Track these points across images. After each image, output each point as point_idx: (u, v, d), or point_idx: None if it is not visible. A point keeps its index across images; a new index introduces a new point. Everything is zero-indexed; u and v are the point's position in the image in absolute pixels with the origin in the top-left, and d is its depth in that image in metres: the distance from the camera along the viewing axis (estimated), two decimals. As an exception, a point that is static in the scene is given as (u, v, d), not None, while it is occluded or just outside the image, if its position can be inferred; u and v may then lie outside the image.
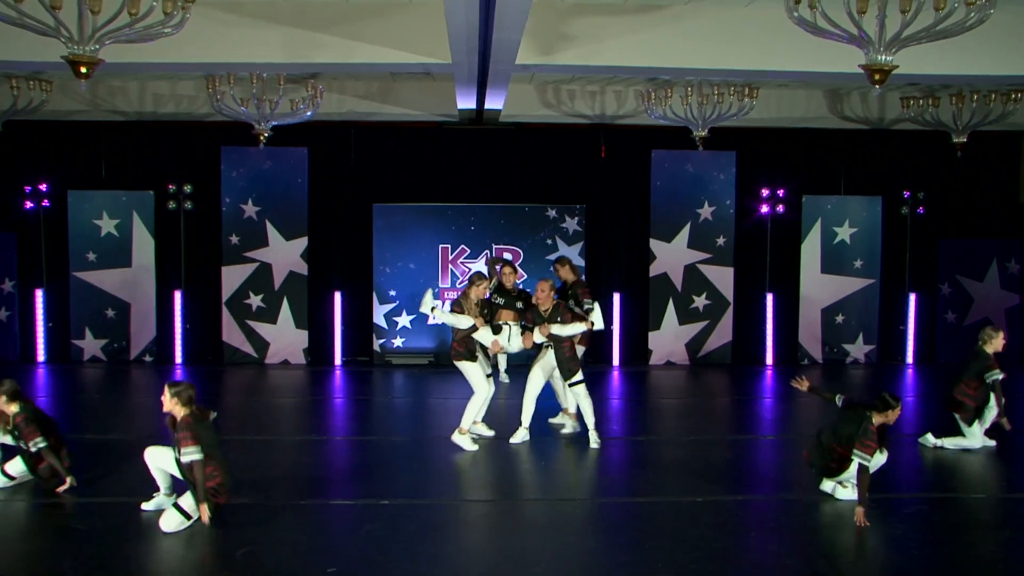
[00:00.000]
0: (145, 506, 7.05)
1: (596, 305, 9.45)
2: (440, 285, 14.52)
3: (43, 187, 14.34)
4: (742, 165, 14.62)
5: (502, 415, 10.26)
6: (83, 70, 7.35)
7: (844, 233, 14.76)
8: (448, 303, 9.53)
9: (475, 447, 9.14)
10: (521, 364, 11.94)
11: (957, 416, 9.36)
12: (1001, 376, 9.11)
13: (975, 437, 9.28)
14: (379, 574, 5.96)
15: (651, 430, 9.87)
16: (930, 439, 9.39)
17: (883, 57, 7.31)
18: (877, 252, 14.84)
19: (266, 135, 12.55)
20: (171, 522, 6.70)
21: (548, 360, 9.30)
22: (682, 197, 14.55)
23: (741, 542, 6.71)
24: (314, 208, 14.41)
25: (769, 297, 14.97)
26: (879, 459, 7.36)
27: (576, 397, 9.33)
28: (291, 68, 11.29)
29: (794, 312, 14.85)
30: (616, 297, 14.80)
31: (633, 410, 11.91)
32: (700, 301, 14.65)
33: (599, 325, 9.26)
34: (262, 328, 14.36)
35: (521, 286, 10.37)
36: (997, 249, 14.99)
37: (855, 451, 7.07)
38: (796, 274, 14.83)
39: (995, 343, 9.34)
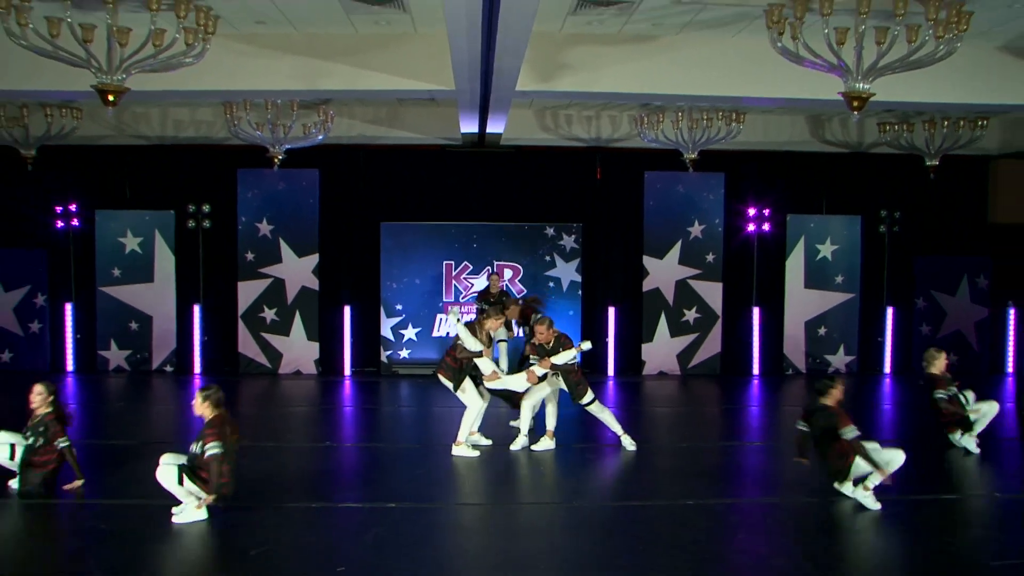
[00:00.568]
0: (176, 520, 6.82)
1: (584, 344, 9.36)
2: (444, 299, 14.63)
3: (72, 207, 14.44)
4: (730, 186, 14.65)
5: (501, 422, 10.26)
6: (111, 98, 7.44)
7: (826, 250, 14.79)
8: (463, 320, 9.55)
9: (476, 453, 9.13)
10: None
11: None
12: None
13: (972, 438, 9.26)
14: (385, 574, 5.96)
15: (645, 437, 9.84)
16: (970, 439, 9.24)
17: (861, 85, 7.40)
18: (857, 268, 14.85)
19: (280, 158, 12.64)
20: (186, 515, 6.79)
21: (548, 385, 9.29)
22: (674, 216, 14.58)
23: (732, 543, 6.70)
24: (325, 226, 14.44)
25: (756, 311, 14.99)
26: (898, 456, 7.38)
27: (594, 414, 9.40)
28: (304, 95, 11.38)
29: (779, 325, 14.85)
30: (611, 311, 14.83)
31: (628, 418, 11.81)
32: (691, 314, 14.66)
33: (587, 347, 9.26)
34: (276, 340, 14.37)
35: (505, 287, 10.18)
36: (968, 266, 15.01)
37: (840, 430, 7.21)
38: (781, 289, 14.85)
39: (938, 364, 9.30)
